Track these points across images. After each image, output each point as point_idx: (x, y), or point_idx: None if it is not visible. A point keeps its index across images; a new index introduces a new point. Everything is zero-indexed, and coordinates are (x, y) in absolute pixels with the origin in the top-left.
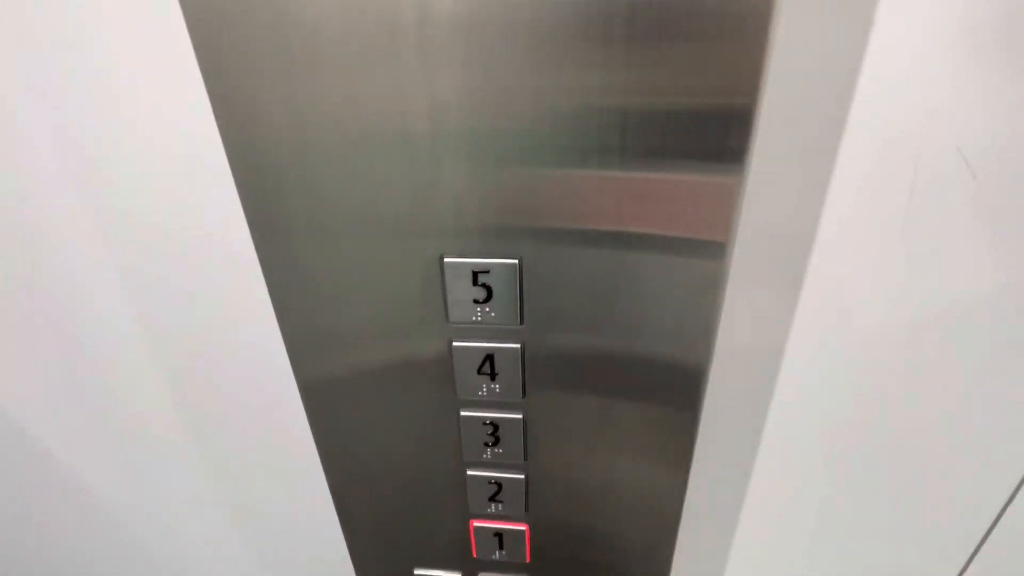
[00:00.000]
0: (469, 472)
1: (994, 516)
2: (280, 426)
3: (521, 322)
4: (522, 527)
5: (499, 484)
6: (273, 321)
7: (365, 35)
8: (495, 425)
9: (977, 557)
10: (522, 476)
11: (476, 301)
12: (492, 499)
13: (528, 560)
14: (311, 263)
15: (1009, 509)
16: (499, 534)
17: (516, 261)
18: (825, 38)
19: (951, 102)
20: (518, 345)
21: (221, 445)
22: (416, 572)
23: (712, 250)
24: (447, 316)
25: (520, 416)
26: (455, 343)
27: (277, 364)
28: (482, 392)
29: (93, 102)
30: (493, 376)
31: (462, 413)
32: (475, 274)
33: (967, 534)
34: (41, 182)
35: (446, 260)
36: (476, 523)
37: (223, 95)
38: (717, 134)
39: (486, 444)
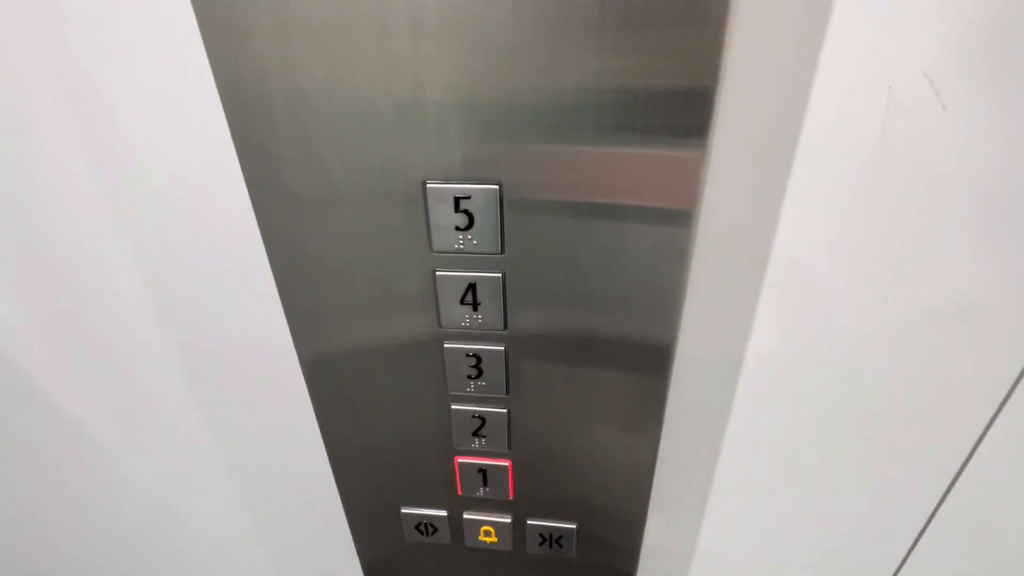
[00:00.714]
0: (453, 407)
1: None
2: (272, 372)
3: (502, 250)
4: (505, 463)
5: (482, 418)
6: (262, 257)
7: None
8: (478, 357)
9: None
10: (504, 410)
11: (458, 228)
12: (476, 434)
13: (511, 497)
14: (301, 195)
15: (951, 491)
16: (483, 470)
17: (496, 186)
18: (786, 21)
19: (917, 79)
20: (499, 274)
21: (213, 386)
22: (403, 511)
23: (680, 219)
24: (430, 245)
25: (502, 348)
26: (438, 272)
27: (266, 294)
28: (465, 323)
29: (100, 81)
30: (476, 306)
31: (446, 345)
32: (457, 200)
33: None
34: (51, 172)
35: (428, 185)
36: (460, 459)
37: (222, 50)
38: (682, 112)
39: (469, 377)
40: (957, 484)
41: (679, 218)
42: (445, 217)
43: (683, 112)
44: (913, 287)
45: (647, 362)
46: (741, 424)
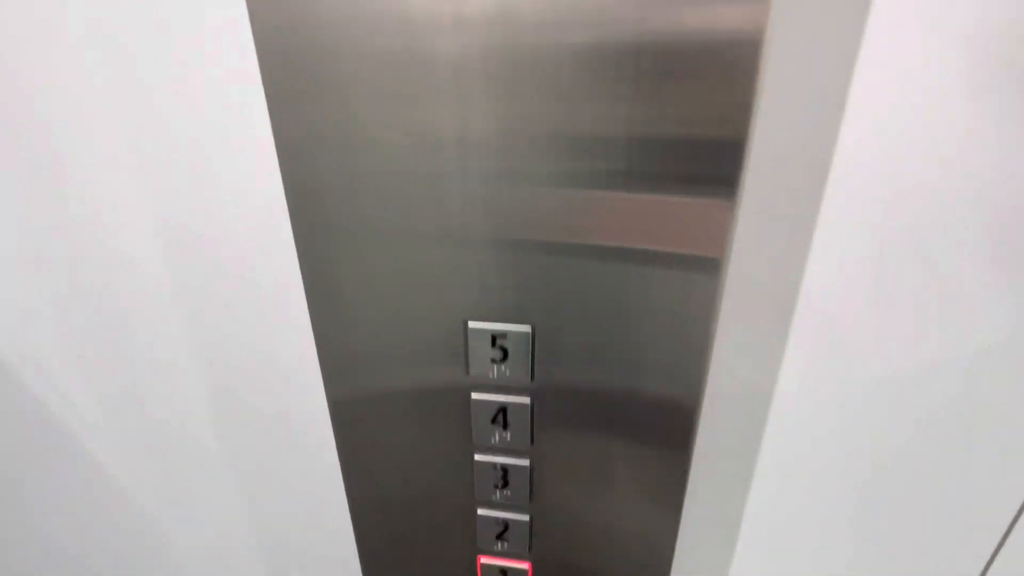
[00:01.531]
0: (479, 511)
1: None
2: (296, 412)
3: (532, 379)
4: (525, 565)
5: (506, 524)
6: (310, 347)
7: (403, 79)
8: (505, 469)
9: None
10: (527, 517)
11: (493, 360)
12: (499, 537)
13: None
14: (358, 322)
15: (1000, 552)
16: (504, 571)
17: (529, 328)
18: (813, 76)
19: (940, 131)
20: (528, 400)
21: (239, 426)
22: None
23: (708, 266)
24: (467, 371)
25: (527, 463)
26: (473, 395)
27: (310, 386)
28: (495, 439)
29: (159, 110)
30: (505, 426)
31: (476, 457)
32: (493, 337)
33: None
34: (98, 200)
35: (470, 325)
36: (483, 559)
37: (284, 128)
38: (712, 162)
39: (496, 486)
40: (1008, 540)
41: (708, 267)
42: (482, 351)
43: (712, 163)
44: (944, 333)
45: (673, 415)
46: (766, 481)
